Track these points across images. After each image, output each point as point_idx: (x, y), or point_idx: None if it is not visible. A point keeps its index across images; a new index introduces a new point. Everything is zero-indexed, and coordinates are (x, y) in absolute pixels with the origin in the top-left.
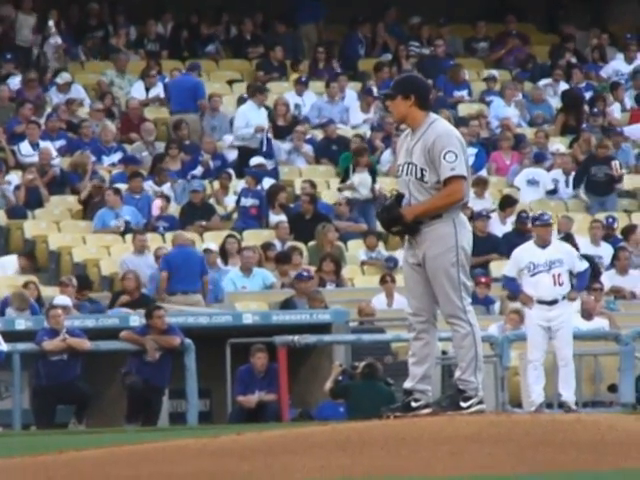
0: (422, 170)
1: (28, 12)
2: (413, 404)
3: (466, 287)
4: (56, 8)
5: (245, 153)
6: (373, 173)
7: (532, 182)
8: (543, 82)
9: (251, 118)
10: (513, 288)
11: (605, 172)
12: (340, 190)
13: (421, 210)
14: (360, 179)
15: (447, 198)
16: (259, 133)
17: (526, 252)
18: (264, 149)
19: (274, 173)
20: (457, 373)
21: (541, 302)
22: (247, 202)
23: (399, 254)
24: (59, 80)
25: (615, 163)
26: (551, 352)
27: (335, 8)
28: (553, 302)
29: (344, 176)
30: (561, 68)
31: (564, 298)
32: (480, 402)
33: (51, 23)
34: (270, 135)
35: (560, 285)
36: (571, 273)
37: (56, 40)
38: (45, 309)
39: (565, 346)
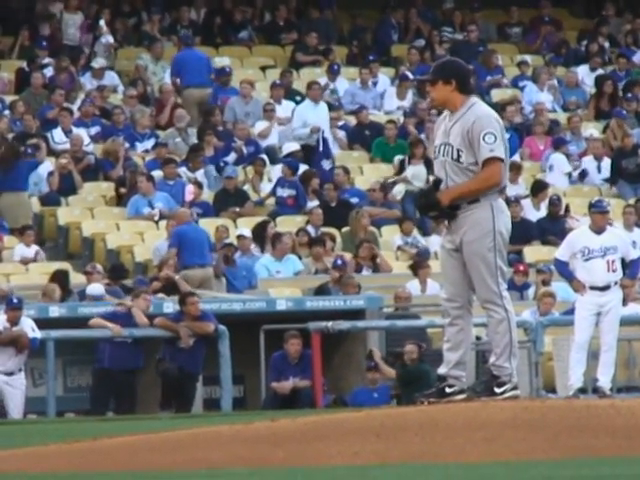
0: (458, 151)
1: (74, 11)
2: (447, 390)
3: (502, 272)
4: None
5: (308, 151)
6: (429, 165)
7: (550, 168)
8: (580, 68)
9: (308, 117)
10: (564, 272)
11: (636, 163)
12: (395, 183)
13: (457, 193)
14: (414, 171)
15: (484, 182)
16: (315, 133)
17: (581, 236)
18: (321, 148)
19: (330, 174)
20: (492, 359)
21: (593, 288)
22: (284, 192)
23: (432, 240)
24: (95, 64)
25: None
26: (594, 337)
27: None
28: (605, 288)
29: (400, 168)
30: (595, 53)
31: (616, 284)
32: (514, 388)
33: (102, 22)
34: (327, 134)
35: (613, 272)
36: (624, 260)
37: (107, 39)
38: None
39: (610, 331)
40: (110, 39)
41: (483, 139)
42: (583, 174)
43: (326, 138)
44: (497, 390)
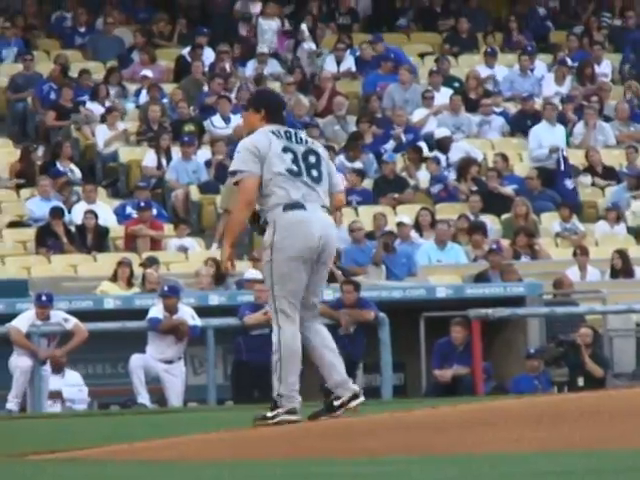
0: None
1: (271, 16)
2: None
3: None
4: None
5: (543, 175)
6: None
7: None
8: None
9: (544, 138)
10: None
11: None
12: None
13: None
14: None
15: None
16: (554, 153)
17: None
18: (562, 168)
19: (573, 193)
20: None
21: None
22: (435, 188)
23: (595, 226)
24: (265, 49)
25: None
26: None
27: None
28: None
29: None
30: None
31: None
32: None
33: (304, 27)
34: (566, 153)
35: None
36: None
37: (310, 45)
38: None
39: None
40: (313, 46)
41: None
42: None
43: (566, 157)
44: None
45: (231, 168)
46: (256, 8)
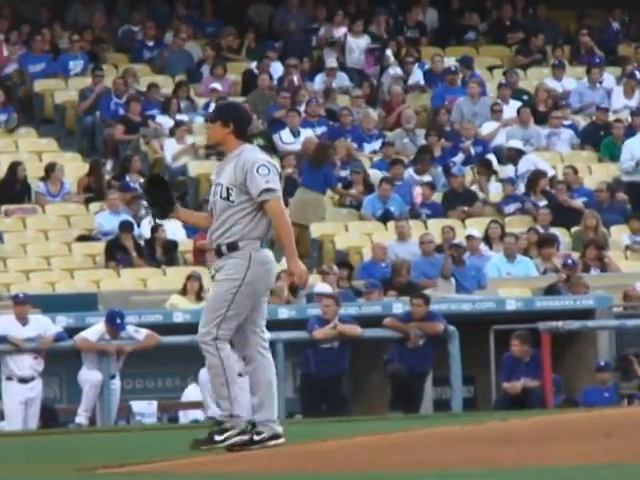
0: (228, 189)
1: (359, 34)
2: (256, 437)
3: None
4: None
5: (633, 189)
6: None
7: None
8: None
9: (637, 151)
10: None
11: None
12: None
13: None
14: None
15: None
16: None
17: None
18: None
19: None
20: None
21: None
22: (510, 208)
23: None
24: (332, 63)
25: None
26: None
27: None
28: None
29: None
30: None
31: None
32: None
33: (389, 52)
34: None
35: None
36: None
37: (395, 71)
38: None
39: None
40: (398, 70)
41: (257, 171)
42: None
43: None
44: (218, 438)
45: (269, 185)
46: (340, 32)
